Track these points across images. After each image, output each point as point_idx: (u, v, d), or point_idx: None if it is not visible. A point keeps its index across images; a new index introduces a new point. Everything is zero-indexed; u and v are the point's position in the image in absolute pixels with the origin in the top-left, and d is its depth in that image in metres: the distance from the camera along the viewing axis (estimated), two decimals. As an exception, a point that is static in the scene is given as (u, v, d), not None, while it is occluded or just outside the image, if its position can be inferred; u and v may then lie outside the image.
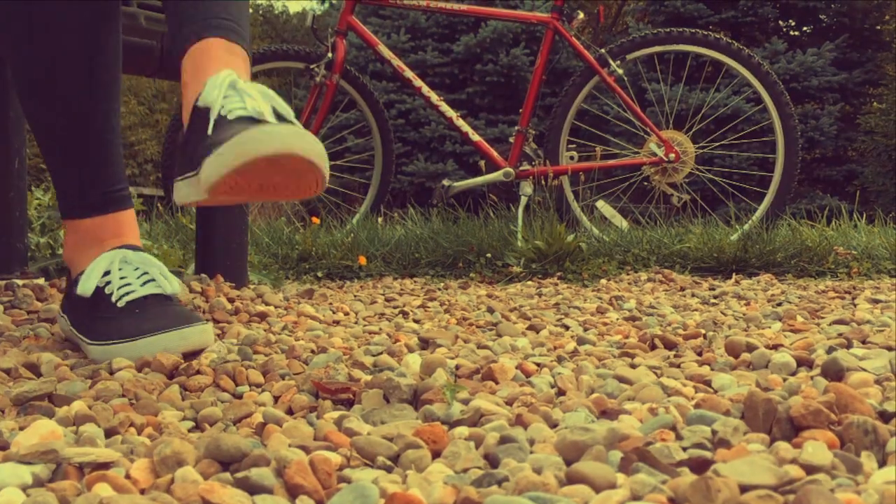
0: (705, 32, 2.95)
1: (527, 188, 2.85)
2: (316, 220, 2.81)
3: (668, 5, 7.36)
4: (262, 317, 1.34)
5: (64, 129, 1.15)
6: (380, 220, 3.10)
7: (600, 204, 2.89)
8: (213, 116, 0.90)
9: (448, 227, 2.82)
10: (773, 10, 7.31)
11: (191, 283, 1.46)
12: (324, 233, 2.73)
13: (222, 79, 0.93)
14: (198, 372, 0.95)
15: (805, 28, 7.97)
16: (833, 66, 7.04)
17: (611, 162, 2.99)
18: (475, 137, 2.93)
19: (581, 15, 2.87)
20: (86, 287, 1.08)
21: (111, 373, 0.96)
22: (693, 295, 1.95)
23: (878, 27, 7.99)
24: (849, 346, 1.01)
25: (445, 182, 2.97)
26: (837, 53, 7.11)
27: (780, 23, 7.88)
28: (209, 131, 0.89)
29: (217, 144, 0.85)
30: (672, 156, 2.84)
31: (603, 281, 2.21)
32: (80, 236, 1.15)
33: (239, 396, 0.90)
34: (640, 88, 5.40)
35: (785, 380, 0.84)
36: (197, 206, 1.64)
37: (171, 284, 1.10)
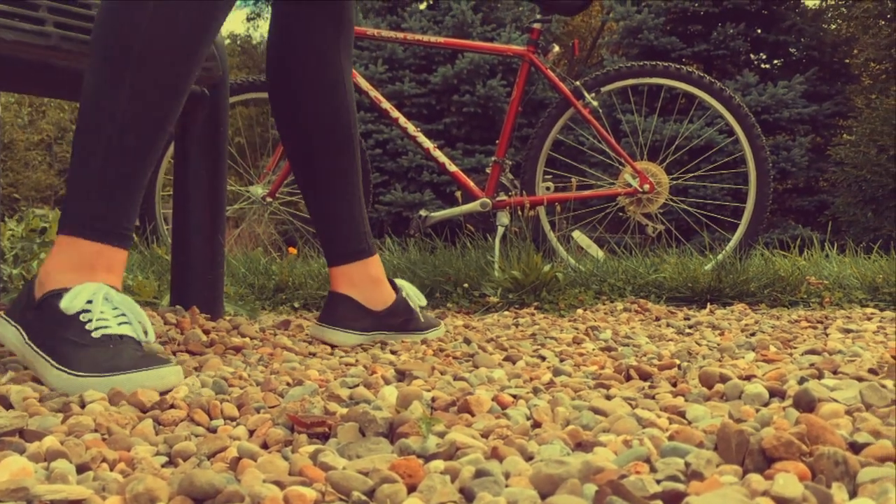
0: (678, 66, 2.99)
1: (503, 218, 2.86)
2: (293, 250, 2.80)
3: (642, 38, 7.49)
4: (238, 349, 1.34)
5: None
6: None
7: (576, 234, 2.91)
8: None
9: (425, 257, 2.82)
10: (745, 43, 7.46)
11: (165, 314, 1.45)
12: (301, 263, 2.72)
13: None
14: (172, 406, 0.94)
15: (776, 61, 8.14)
16: (804, 99, 7.18)
17: (586, 192, 3.02)
18: (452, 168, 2.96)
19: (556, 48, 2.90)
20: (71, 304, 1.06)
21: (82, 406, 0.95)
22: (668, 325, 1.97)
23: (847, 61, 8.18)
24: (820, 376, 1.02)
25: (422, 212, 2.98)
26: (808, 86, 7.26)
27: (752, 56, 8.04)
28: None
29: None
30: (646, 186, 2.87)
31: (579, 311, 2.22)
32: (76, 258, 1.12)
33: (213, 430, 0.89)
34: (614, 120, 5.47)
35: (758, 411, 0.85)
36: (172, 238, 1.64)
37: (148, 334, 1.10)
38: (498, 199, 2.88)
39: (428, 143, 2.97)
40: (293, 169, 1.58)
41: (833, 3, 8.86)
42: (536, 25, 2.85)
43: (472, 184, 2.92)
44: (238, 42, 18.74)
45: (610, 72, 2.98)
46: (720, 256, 2.79)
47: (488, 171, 2.94)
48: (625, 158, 2.92)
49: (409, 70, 7.37)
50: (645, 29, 7.47)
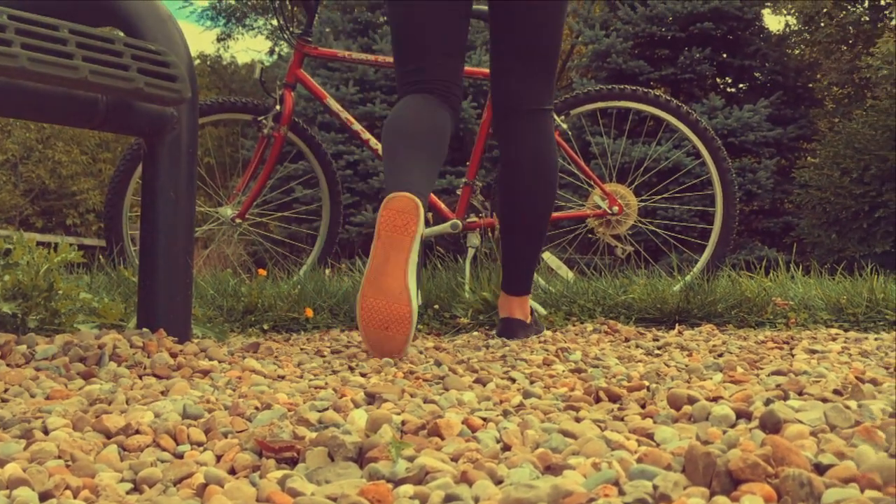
0: (646, 90, 3.03)
1: (474, 239, 2.86)
2: (262, 271, 2.78)
3: (611, 62, 7.59)
4: (206, 372, 1.32)
5: None
6: (327, 271, 3.09)
7: (546, 255, 2.92)
8: None
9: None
10: (711, 67, 7.59)
11: (132, 337, 1.43)
12: (270, 284, 2.70)
13: None
14: (137, 431, 0.93)
15: (741, 85, 8.29)
16: (768, 122, 7.32)
17: (555, 214, 3.03)
18: None
19: None
20: None
21: (45, 432, 0.93)
22: (637, 346, 1.98)
23: (810, 85, 8.35)
24: (786, 397, 1.03)
25: None
26: (772, 110, 7.40)
27: (718, 80, 8.18)
28: None
29: None
30: (615, 208, 2.89)
31: (549, 332, 2.23)
32: None
33: (180, 456, 0.88)
34: (584, 142, 5.53)
35: (725, 432, 0.86)
36: (140, 259, 1.62)
37: None
38: (468, 220, 2.88)
39: None
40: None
41: (796, 28, 9.05)
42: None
43: (442, 205, 2.92)
44: (208, 62, 18.68)
45: (579, 95, 3.00)
46: (688, 277, 2.81)
47: (458, 192, 2.95)
48: (594, 180, 2.94)
49: (381, 91, 7.40)
50: (613, 53, 7.57)
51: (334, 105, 3.00)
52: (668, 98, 3.00)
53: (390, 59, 3.04)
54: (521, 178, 2.04)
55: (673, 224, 3.66)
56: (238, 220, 2.98)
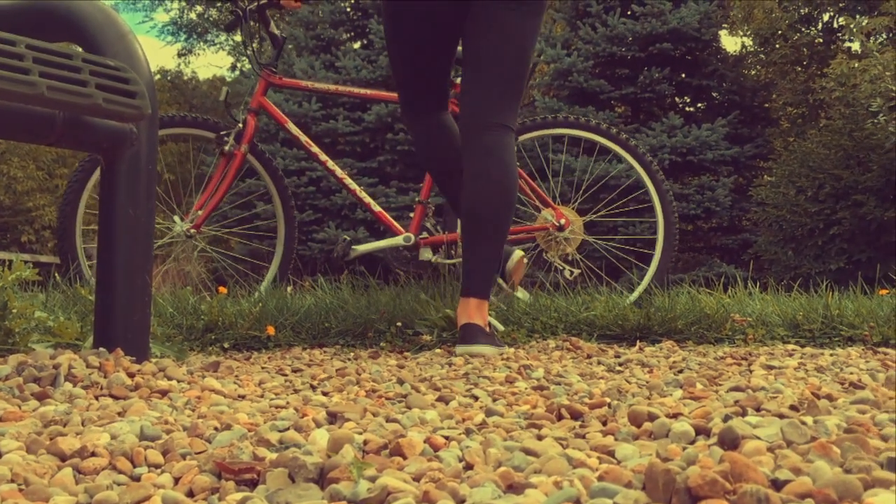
0: (587, 118, 3.27)
1: (426, 254, 2.94)
2: (223, 289, 2.76)
3: (572, 80, 7.68)
4: (164, 392, 1.30)
5: None
6: (289, 288, 3.07)
7: (500, 280, 2.96)
8: None
9: (358, 296, 2.81)
10: (670, 87, 7.71)
11: (88, 357, 1.41)
12: (231, 302, 2.68)
13: None
14: (93, 453, 0.91)
15: (699, 104, 8.43)
16: (726, 141, 7.44)
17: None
18: (377, 208, 3.09)
19: None
20: None
21: (-2, 456, 0.91)
22: (599, 363, 1.99)
23: (766, 105, 8.53)
24: (744, 413, 1.05)
25: (346, 236, 3.07)
26: (730, 129, 7.53)
27: (677, 99, 8.31)
28: None
29: None
30: (563, 221, 3.02)
31: (511, 350, 2.23)
32: None
33: (137, 479, 0.86)
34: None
35: (684, 449, 0.87)
36: (97, 277, 1.60)
37: None
38: (421, 236, 2.96)
39: (354, 186, 3.11)
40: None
41: (752, 49, 9.25)
42: (458, 80, 2.95)
43: (396, 224, 3.01)
44: (169, 78, 18.51)
45: (526, 122, 3.20)
46: (634, 296, 2.97)
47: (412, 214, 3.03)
48: (544, 199, 3.06)
49: (343, 108, 7.39)
50: (575, 72, 7.66)
51: (294, 129, 3.14)
52: (608, 126, 3.23)
53: (351, 89, 3.34)
54: (487, 187, 2.21)
55: (634, 240, 3.76)
56: (192, 231, 2.99)
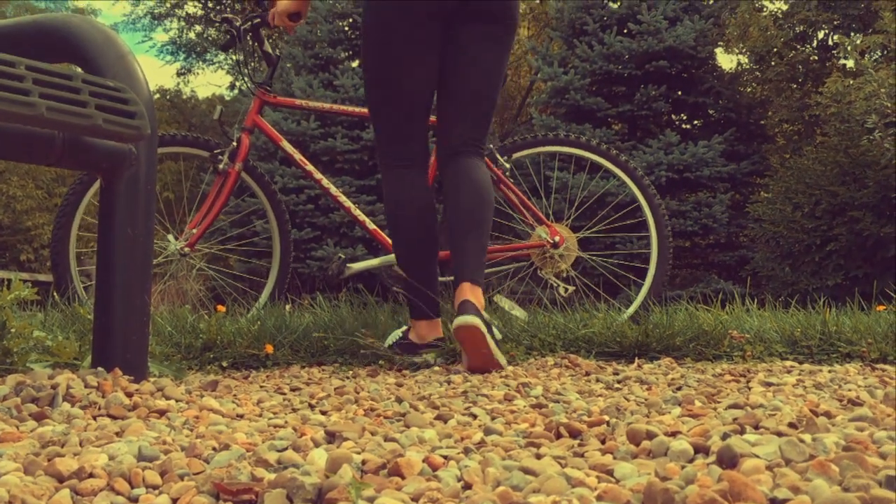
0: (580, 136, 3.29)
1: None
2: (221, 308, 2.75)
3: (569, 98, 7.70)
4: (162, 412, 1.30)
5: None
6: (287, 307, 3.07)
7: (498, 298, 2.97)
8: None
9: (356, 313, 2.81)
10: (666, 104, 7.74)
11: (86, 377, 1.41)
12: (229, 321, 2.68)
13: None
14: (91, 475, 0.91)
15: (696, 122, 8.46)
16: (723, 158, 7.47)
17: (499, 246, 3.12)
18: (371, 226, 3.09)
19: None
20: None
21: (-4, 477, 0.90)
22: (598, 380, 1.99)
23: (762, 122, 8.56)
24: (742, 431, 1.05)
25: (341, 255, 3.07)
26: (726, 146, 7.55)
27: (673, 116, 8.34)
28: None
29: None
30: (557, 238, 3.02)
31: (510, 367, 2.23)
32: None
33: (135, 500, 0.86)
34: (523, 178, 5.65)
35: (683, 468, 0.87)
36: (96, 297, 1.60)
37: None
38: None
39: (348, 203, 3.10)
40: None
41: (748, 67, 9.30)
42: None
43: (390, 241, 3.00)
44: (168, 97, 18.57)
45: (517, 141, 3.21)
46: (629, 311, 2.98)
47: None
48: (538, 216, 3.06)
49: (342, 126, 7.41)
50: (572, 89, 7.70)
51: (288, 148, 3.14)
52: (601, 144, 3.22)
53: (344, 108, 3.27)
54: (469, 186, 2.34)
55: (631, 256, 3.77)
56: (186, 250, 3.00)
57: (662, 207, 3.19)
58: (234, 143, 3.05)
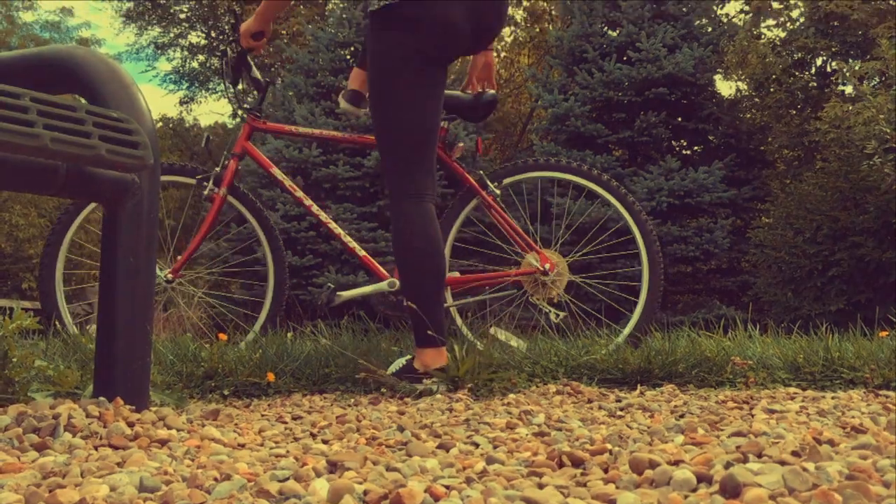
0: (571, 162, 3.22)
1: None
2: (223, 336, 2.75)
3: (570, 125, 7.75)
4: (164, 442, 1.30)
5: None
6: (289, 334, 3.06)
7: (493, 330, 2.94)
8: None
9: (358, 340, 2.80)
10: (666, 130, 7.78)
11: (88, 406, 1.40)
12: (231, 348, 2.67)
13: None
14: (92, 506, 0.91)
15: (696, 148, 8.49)
16: (723, 183, 7.49)
17: (489, 274, 3.10)
18: (361, 253, 3.02)
19: (461, 143, 3.06)
20: None
21: (-3, 509, 0.90)
22: (600, 407, 1.99)
23: (762, 148, 8.59)
24: (745, 460, 1.04)
25: (331, 283, 3.03)
26: (726, 171, 7.58)
27: (673, 142, 8.37)
28: None
29: None
30: (548, 265, 2.99)
31: (512, 396, 2.23)
32: None
33: (136, 531, 0.86)
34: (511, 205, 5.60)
35: (686, 497, 0.86)
36: (98, 325, 1.60)
37: None
38: None
39: (339, 230, 3.05)
40: None
41: (747, 93, 9.35)
42: (443, 124, 2.99)
43: (381, 268, 2.98)
44: (170, 125, 18.69)
45: (508, 167, 3.18)
46: (619, 339, 2.95)
47: None
48: (529, 243, 3.04)
49: (343, 154, 7.44)
50: (572, 116, 7.74)
51: (279, 174, 3.10)
52: (592, 168, 3.19)
53: (333, 133, 3.25)
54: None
55: (627, 280, 3.75)
56: (170, 276, 3.00)
57: (654, 232, 3.17)
58: (218, 169, 3.03)
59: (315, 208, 3.06)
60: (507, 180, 3.15)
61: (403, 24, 2.32)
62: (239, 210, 3.20)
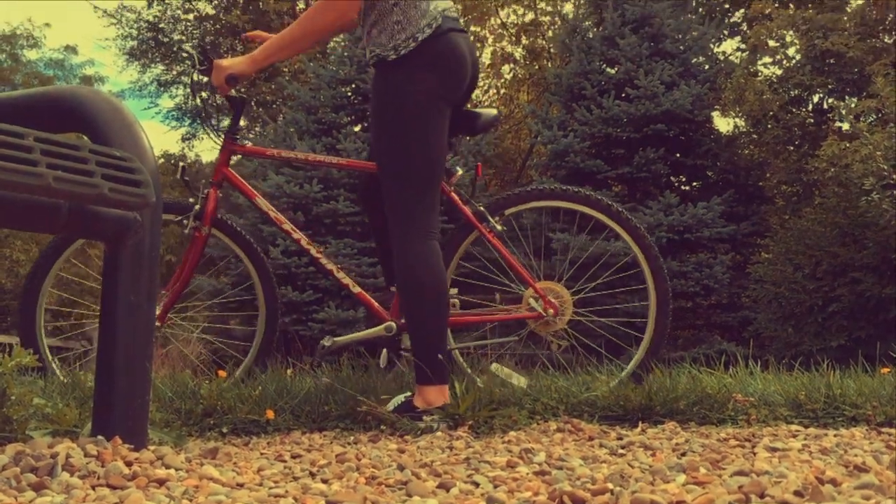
0: (577, 189, 3.04)
1: (408, 341, 2.71)
2: (222, 372, 2.73)
3: (569, 161, 7.81)
4: (162, 481, 1.29)
5: None
6: (289, 371, 3.04)
7: (495, 367, 2.86)
8: None
9: (358, 377, 2.79)
10: (665, 166, 7.83)
11: (86, 446, 1.40)
12: (230, 385, 2.66)
13: None
14: (90, 547, 0.90)
15: (695, 183, 8.54)
16: (722, 219, 7.52)
17: (487, 317, 2.96)
18: (356, 289, 2.86)
19: (459, 171, 2.88)
20: None
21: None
22: (601, 445, 1.97)
23: (761, 183, 8.64)
24: (747, 501, 1.04)
25: (325, 341, 2.84)
26: (725, 207, 7.62)
27: (672, 178, 8.42)
28: None
29: None
30: (551, 311, 2.85)
31: (513, 433, 2.21)
32: None
33: (133, 574, 0.85)
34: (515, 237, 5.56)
35: (688, 538, 0.86)
36: (97, 363, 1.60)
37: None
38: (403, 321, 2.74)
39: (331, 266, 2.88)
40: None
41: (745, 130, 9.43)
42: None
43: (377, 305, 2.79)
44: (172, 161, 18.80)
45: (511, 196, 3.00)
46: (623, 374, 2.84)
47: (393, 290, 2.86)
48: (528, 280, 2.88)
49: (344, 189, 7.48)
50: (571, 152, 7.80)
51: (264, 205, 2.88)
52: (599, 197, 2.99)
53: (318, 157, 3.05)
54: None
55: (632, 315, 3.65)
56: (157, 324, 2.83)
57: (661, 261, 2.96)
58: (197, 206, 2.81)
59: (304, 241, 2.87)
60: (508, 211, 2.97)
61: (426, 63, 2.38)
62: (224, 242, 3.01)
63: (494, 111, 2.84)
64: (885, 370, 2.94)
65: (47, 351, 2.89)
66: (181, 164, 2.99)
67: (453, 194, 2.84)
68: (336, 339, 2.80)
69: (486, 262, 3.20)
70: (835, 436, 2.09)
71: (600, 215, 2.97)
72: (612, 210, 2.97)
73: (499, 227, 2.90)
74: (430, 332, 2.41)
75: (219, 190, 2.85)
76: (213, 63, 2.61)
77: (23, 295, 2.91)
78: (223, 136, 2.83)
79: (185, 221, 2.81)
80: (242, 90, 3.44)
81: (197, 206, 2.82)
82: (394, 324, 2.74)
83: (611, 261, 3.71)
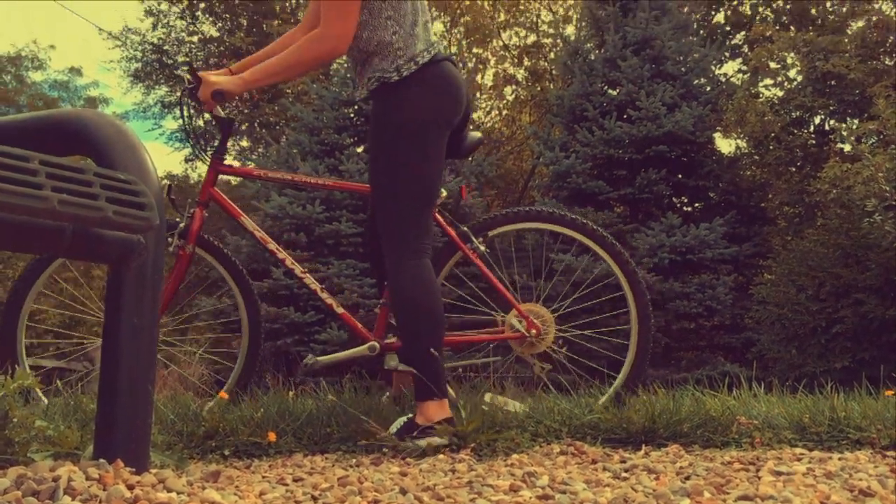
0: (561, 212, 3.04)
1: (391, 361, 2.73)
2: (224, 394, 2.73)
3: (571, 182, 7.83)
4: (164, 505, 1.28)
5: None
6: (291, 392, 3.03)
7: (489, 396, 2.84)
8: None
9: (359, 398, 2.78)
10: (667, 188, 7.85)
11: (88, 469, 1.39)
12: (233, 408, 2.65)
13: None
14: (91, 573, 0.89)
15: (697, 204, 8.55)
16: (724, 240, 7.52)
17: (470, 336, 2.93)
18: (339, 310, 2.86)
19: (443, 192, 2.84)
20: None
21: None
22: (605, 468, 1.96)
23: (763, 205, 8.65)
24: (752, 525, 1.03)
25: (308, 360, 2.83)
26: (728, 228, 7.62)
27: (674, 199, 8.44)
28: None
29: None
30: (534, 332, 2.85)
31: (515, 456, 2.20)
32: None
33: None
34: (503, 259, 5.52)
35: (692, 565, 0.85)
36: (100, 385, 1.59)
37: None
38: (386, 340, 2.77)
39: (315, 286, 2.86)
40: None
41: (747, 151, 9.45)
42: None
43: (360, 326, 2.79)
44: (176, 182, 18.88)
45: (497, 217, 3.00)
46: (604, 399, 2.81)
47: (377, 310, 2.86)
48: (510, 302, 2.88)
49: (346, 210, 7.50)
50: (573, 173, 7.82)
51: (249, 224, 2.89)
52: (583, 220, 3.01)
53: (306, 178, 2.99)
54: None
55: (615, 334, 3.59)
56: None
57: (645, 288, 2.98)
58: (181, 223, 2.81)
59: (289, 261, 2.85)
60: (493, 232, 2.97)
61: (426, 85, 2.44)
62: (207, 261, 2.99)
63: (479, 134, 2.88)
64: (889, 392, 2.93)
65: (27, 369, 2.86)
66: (166, 182, 2.98)
67: (437, 215, 2.83)
68: (319, 358, 2.78)
69: (469, 281, 3.20)
70: (839, 459, 2.07)
71: (581, 237, 2.99)
72: (595, 233, 2.98)
73: (482, 248, 2.91)
74: (426, 347, 2.43)
75: (205, 210, 2.85)
76: (201, 77, 2.60)
77: (3, 315, 2.88)
78: (211, 157, 2.84)
79: (169, 239, 2.78)
80: (238, 111, 3.46)
81: (182, 224, 2.82)
82: (377, 343, 2.74)
83: (594, 282, 3.67)
